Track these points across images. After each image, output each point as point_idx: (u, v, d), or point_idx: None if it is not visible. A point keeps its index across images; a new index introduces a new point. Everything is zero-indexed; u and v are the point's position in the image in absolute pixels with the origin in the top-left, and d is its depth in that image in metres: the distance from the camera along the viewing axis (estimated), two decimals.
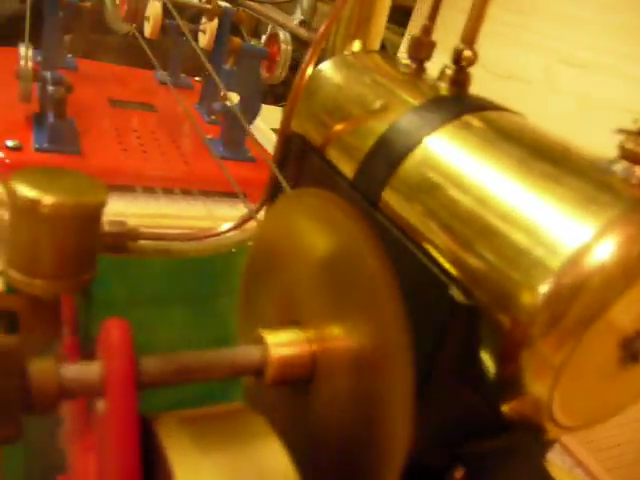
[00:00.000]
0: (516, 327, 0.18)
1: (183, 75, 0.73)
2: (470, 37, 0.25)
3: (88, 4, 0.61)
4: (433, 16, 0.28)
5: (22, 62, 0.45)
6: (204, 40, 0.68)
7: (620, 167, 0.18)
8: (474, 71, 0.25)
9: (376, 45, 0.33)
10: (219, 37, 0.57)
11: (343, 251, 0.15)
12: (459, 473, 0.23)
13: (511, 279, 0.18)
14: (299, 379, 0.16)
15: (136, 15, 0.52)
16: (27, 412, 0.12)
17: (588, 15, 0.68)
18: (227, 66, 0.52)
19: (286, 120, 0.29)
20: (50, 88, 0.45)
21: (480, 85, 0.26)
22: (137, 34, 0.54)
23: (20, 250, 0.17)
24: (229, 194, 0.52)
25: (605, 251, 0.16)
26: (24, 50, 0.46)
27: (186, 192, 0.50)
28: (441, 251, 0.20)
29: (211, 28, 0.66)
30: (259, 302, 0.19)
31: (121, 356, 0.13)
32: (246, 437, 0.13)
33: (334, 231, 0.15)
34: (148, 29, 0.65)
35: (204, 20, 0.69)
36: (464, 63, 0.24)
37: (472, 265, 0.19)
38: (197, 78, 0.76)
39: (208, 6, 0.57)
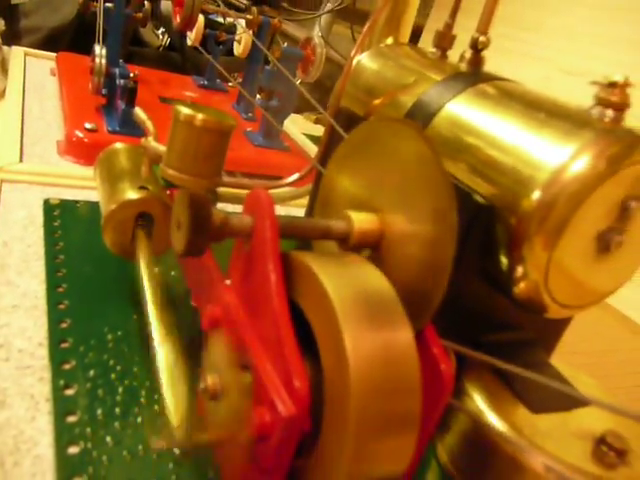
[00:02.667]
0: (519, 225, 0.25)
1: (218, 80, 0.81)
2: (483, 27, 0.32)
3: (140, 15, 0.69)
4: (453, 15, 0.35)
5: (97, 59, 0.53)
6: (239, 49, 0.77)
7: (596, 111, 0.25)
8: None
9: (405, 39, 0.41)
10: (260, 44, 0.65)
11: (415, 157, 0.22)
12: None
13: (515, 191, 0.25)
14: (370, 245, 0.23)
15: (190, 23, 0.60)
16: (208, 237, 0.19)
17: (587, 29, 0.76)
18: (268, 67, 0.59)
19: (337, 97, 0.37)
20: (121, 81, 0.52)
21: None
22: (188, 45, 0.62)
23: (175, 153, 0.24)
24: (265, 176, 0.60)
25: (578, 166, 0.24)
26: (98, 49, 0.53)
27: (230, 173, 0.58)
28: (466, 177, 0.27)
29: (245, 38, 0.74)
30: (340, 195, 0.26)
31: (269, 210, 0.20)
32: (355, 263, 0.20)
33: (410, 143, 0.22)
34: (192, 37, 0.73)
35: (239, 31, 0.77)
36: (480, 47, 0.32)
37: (487, 184, 0.26)
38: (230, 84, 0.84)
39: (250, 17, 0.65)
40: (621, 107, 0.25)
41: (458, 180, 0.27)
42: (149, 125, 0.27)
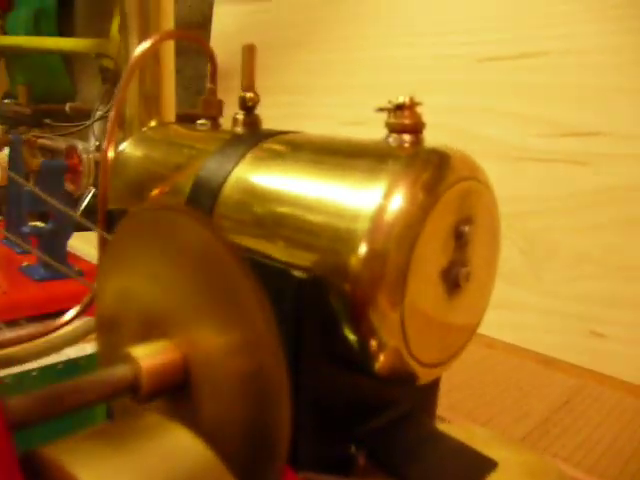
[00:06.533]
0: (354, 289, 0.20)
1: None
2: (248, 84, 0.28)
3: None
4: (212, 77, 0.31)
5: None
6: None
7: (392, 139, 0.22)
8: None
9: (172, 118, 0.36)
10: (14, 164, 0.56)
11: (202, 257, 0.16)
12: (362, 459, 0.24)
13: (338, 251, 0.20)
14: (174, 386, 0.16)
15: None
16: None
17: (354, 82, 0.80)
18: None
19: (103, 199, 0.30)
20: None
21: None
22: None
23: None
24: (59, 312, 0.50)
25: (396, 203, 0.20)
26: None
27: (12, 323, 0.46)
28: (278, 252, 0.22)
29: (2, 163, 0.64)
30: (118, 330, 0.19)
31: None
32: (148, 432, 0.13)
33: (190, 239, 0.16)
34: None
35: None
36: (250, 104, 0.28)
37: (305, 253, 0.21)
38: None
39: None
40: (416, 128, 0.22)
41: (269, 258, 0.22)
42: None
